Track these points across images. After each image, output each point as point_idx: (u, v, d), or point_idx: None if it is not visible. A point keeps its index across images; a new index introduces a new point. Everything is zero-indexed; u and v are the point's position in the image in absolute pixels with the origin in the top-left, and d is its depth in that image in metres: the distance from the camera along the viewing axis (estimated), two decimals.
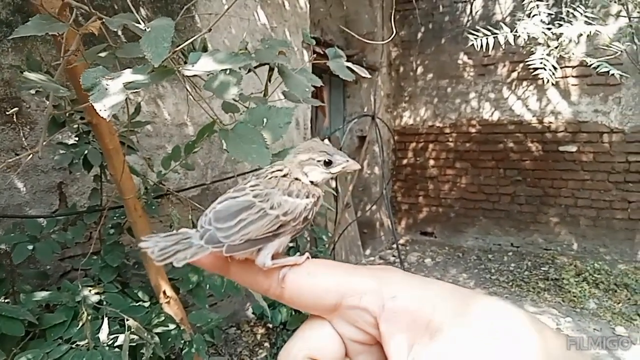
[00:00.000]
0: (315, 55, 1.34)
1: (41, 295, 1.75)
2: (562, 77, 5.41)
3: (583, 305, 4.26)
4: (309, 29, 4.42)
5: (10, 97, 2.22)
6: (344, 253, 5.37)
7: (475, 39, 2.91)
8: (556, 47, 2.70)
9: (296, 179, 0.43)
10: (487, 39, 2.84)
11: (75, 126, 2.05)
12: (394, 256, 5.99)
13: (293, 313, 3.38)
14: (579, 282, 4.79)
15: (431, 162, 6.55)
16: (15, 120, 2.17)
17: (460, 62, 6.16)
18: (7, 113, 1.73)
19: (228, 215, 0.36)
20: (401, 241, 6.58)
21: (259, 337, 3.50)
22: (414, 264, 5.72)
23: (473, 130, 6.18)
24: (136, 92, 0.81)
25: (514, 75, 5.81)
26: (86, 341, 1.55)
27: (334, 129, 5.96)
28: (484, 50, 2.97)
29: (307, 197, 0.41)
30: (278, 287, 0.33)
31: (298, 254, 0.35)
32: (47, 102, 2.25)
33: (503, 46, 2.94)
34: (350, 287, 0.31)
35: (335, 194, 4.53)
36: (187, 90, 0.89)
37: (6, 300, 1.72)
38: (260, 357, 3.23)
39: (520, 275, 5.20)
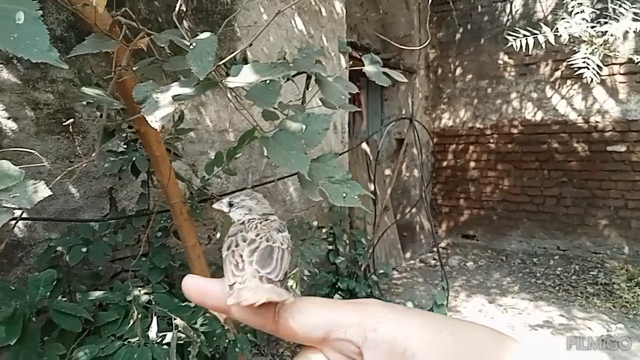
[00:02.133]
0: (351, 62, 1.37)
1: (95, 294, 1.86)
2: (608, 75, 5.22)
3: (636, 311, 4.08)
4: (346, 34, 4.45)
5: (64, 108, 2.36)
6: (383, 256, 5.36)
7: (515, 39, 2.86)
8: (601, 45, 2.62)
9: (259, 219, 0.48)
10: (526, 39, 2.78)
11: (124, 135, 2.17)
12: (434, 259, 5.92)
13: None
14: (631, 287, 4.59)
15: (472, 164, 6.44)
16: (71, 130, 2.31)
17: (500, 62, 6.04)
18: (64, 124, 1.85)
19: (268, 260, 0.41)
20: (442, 244, 6.50)
21: None
22: (455, 268, 5.63)
23: (515, 131, 6.04)
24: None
25: (558, 74, 5.64)
26: (137, 338, 1.64)
27: (372, 132, 5.97)
28: (524, 50, 2.92)
29: (283, 229, 0.48)
30: (273, 324, 0.37)
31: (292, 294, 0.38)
32: (98, 113, 2.39)
33: (544, 45, 2.88)
34: (336, 323, 0.35)
35: (374, 197, 4.54)
36: (229, 99, 0.95)
37: (63, 299, 1.83)
38: None
39: (567, 279, 5.04)
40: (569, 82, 5.57)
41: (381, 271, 4.33)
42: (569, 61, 2.85)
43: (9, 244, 2.20)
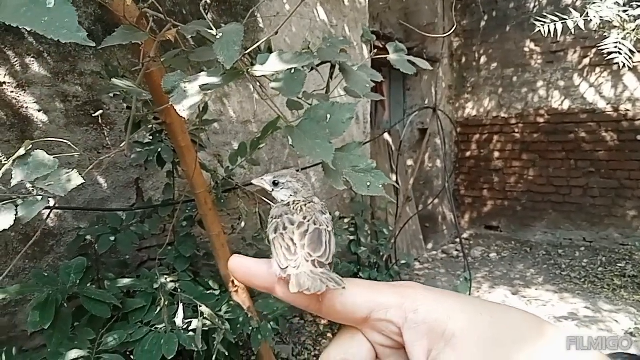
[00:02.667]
0: (375, 51, 1.36)
1: (123, 282, 1.90)
2: None
3: None
4: (368, 23, 4.41)
5: (93, 100, 2.41)
6: (405, 247, 5.34)
7: (542, 25, 2.79)
8: (633, 30, 2.54)
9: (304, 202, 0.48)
10: (555, 25, 2.70)
11: (150, 126, 2.20)
12: (457, 250, 5.87)
13: None
14: None
15: (496, 154, 6.34)
16: (100, 121, 2.36)
17: (526, 49, 5.90)
18: (94, 115, 1.89)
19: (318, 244, 0.42)
20: (465, 235, 6.44)
21: (321, 327, 3.57)
22: (478, 259, 5.58)
23: (541, 120, 5.91)
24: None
25: (586, 61, 5.49)
26: (164, 325, 1.68)
27: (394, 123, 5.93)
28: (552, 36, 2.84)
29: (325, 211, 0.48)
30: (317, 304, 0.38)
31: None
32: (125, 105, 2.43)
33: (573, 31, 2.80)
34: (378, 303, 0.37)
35: (397, 186, 4.52)
36: (255, 89, 0.95)
37: (92, 286, 1.88)
38: (323, 347, 3.31)
39: (593, 271, 4.94)
40: (598, 69, 5.42)
41: (403, 262, 4.32)
42: (599, 46, 2.77)
43: (41, 232, 2.27)
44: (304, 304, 0.39)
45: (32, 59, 2.17)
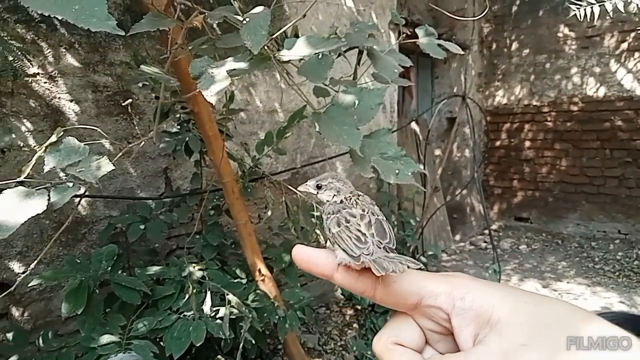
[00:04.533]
0: (404, 35, 1.33)
1: (153, 269, 1.93)
2: None
3: None
4: (396, 10, 4.34)
5: (122, 91, 2.44)
6: (432, 238, 5.28)
7: (578, 8, 2.68)
8: None
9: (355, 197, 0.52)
10: (592, 8, 2.59)
11: (177, 116, 2.22)
12: (485, 242, 5.77)
13: None
14: None
15: (527, 143, 6.18)
16: (129, 110, 2.39)
17: (560, 35, 5.70)
18: (123, 104, 1.91)
19: (383, 232, 0.46)
20: (493, 227, 6.32)
21: (347, 317, 3.57)
22: (507, 251, 5.48)
23: (575, 108, 5.72)
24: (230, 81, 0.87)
25: (624, 45, 5.26)
26: (192, 312, 1.70)
27: (422, 111, 5.84)
28: (589, 20, 2.73)
29: (374, 203, 0.51)
30: (372, 290, 0.41)
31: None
32: (153, 95, 2.45)
33: (611, 15, 2.68)
34: (428, 290, 0.39)
35: (427, 173, 4.46)
36: (282, 75, 0.94)
37: (123, 274, 1.91)
38: (349, 337, 3.31)
39: (629, 265, 4.78)
40: (636, 54, 5.19)
41: (430, 252, 4.27)
42: (639, 30, 2.65)
43: (74, 221, 2.33)
44: (360, 290, 0.42)
45: (64, 50, 2.21)
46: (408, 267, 0.39)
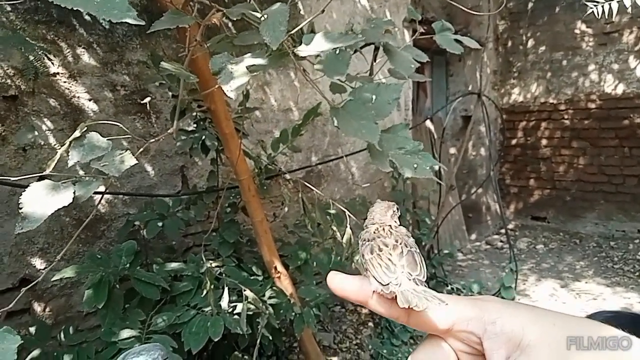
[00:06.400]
0: (419, 31, 1.33)
1: (171, 266, 1.96)
2: None
3: None
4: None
5: (139, 90, 2.48)
6: (447, 237, 5.25)
7: (595, 6, 2.64)
8: None
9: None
10: (609, 4, 2.55)
11: (194, 114, 2.25)
12: (501, 241, 5.72)
13: None
14: None
15: (544, 141, 6.10)
16: (148, 108, 2.42)
17: (577, 31, 5.62)
18: (141, 102, 1.94)
19: (414, 264, 0.46)
20: (510, 226, 6.26)
21: (363, 316, 3.57)
22: (524, 250, 5.42)
23: (593, 105, 5.63)
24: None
25: None
26: (210, 308, 1.71)
27: (437, 109, 5.81)
28: (607, 17, 2.68)
29: (410, 235, 0.52)
30: (405, 317, 0.43)
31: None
32: (170, 93, 2.48)
33: (630, 10, 2.64)
34: (459, 316, 0.40)
35: (444, 168, 4.43)
36: (298, 70, 0.94)
37: (142, 269, 1.94)
38: (364, 336, 3.31)
39: None
40: None
41: (446, 251, 4.25)
42: None
43: (93, 218, 2.37)
44: (395, 316, 0.44)
45: (83, 50, 2.25)
46: (431, 304, 0.40)
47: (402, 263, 0.46)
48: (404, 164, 0.99)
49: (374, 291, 0.44)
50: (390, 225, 0.53)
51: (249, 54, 0.86)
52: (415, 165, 1.00)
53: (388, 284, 0.43)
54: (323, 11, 0.89)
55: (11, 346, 0.60)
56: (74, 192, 0.75)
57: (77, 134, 0.85)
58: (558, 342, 0.36)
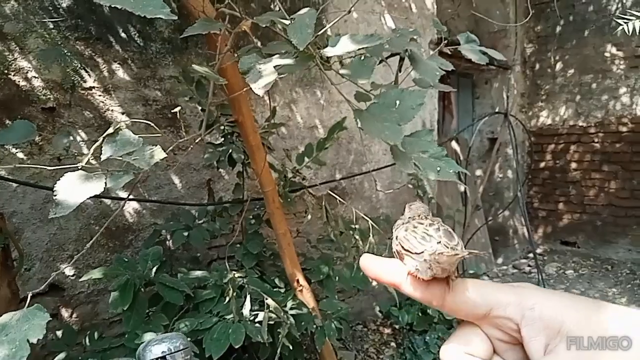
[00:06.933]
0: (445, 42, 1.34)
1: (195, 274, 1.99)
2: None
3: None
4: (436, 31, 4.35)
5: (170, 104, 2.55)
6: (473, 260, 5.15)
7: (626, 23, 2.62)
8: None
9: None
10: None
11: (222, 128, 2.30)
12: (529, 266, 5.57)
13: (420, 315, 3.34)
14: None
15: (573, 165, 5.98)
16: (178, 121, 2.49)
17: (607, 54, 5.55)
18: (172, 111, 2.00)
19: (451, 236, 0.45)
20: (538, 251, 6.10)
21: (385, 336, 3.51)
22: (552, 276, 5.26)
23: (624, 129, 5.51)
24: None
25: None
26: (232, 315, 1.72)
27: (462, 129, 5.77)
28: (638, 36, 2.65)
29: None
30: (441, 300, 0.41)
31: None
32: (199, 108, 2.55)
33: None
34: (497, 301, 0.39)
35: (466, 188, 4.38)
36: (323, 73, 0.97)
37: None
38: (386, 356, 3.25)
39: None
40: None
41: (471, 271, 4.17)
42: None
43: (121, 227, 2.43)
44: (429, 299, 0.42)
45: (118, 65, 2.35)
46: (470, 252, 0.40)
47: (439, 234, 0.43)
48: (427, 167, 0.99)
49: (408, 272, 0.42)
50: (425, 213, 0.51)
51: (277, 55, 0.89)
52: (438, 169, 1.00)
53: (422, 252, 0.41)
54: (350, 11, 0.92)
55: (40, 322, 0.62)
56: (105, 183, 0.78)
57: (110, 130, 0.89)
58: (598, 329, 0.35)
